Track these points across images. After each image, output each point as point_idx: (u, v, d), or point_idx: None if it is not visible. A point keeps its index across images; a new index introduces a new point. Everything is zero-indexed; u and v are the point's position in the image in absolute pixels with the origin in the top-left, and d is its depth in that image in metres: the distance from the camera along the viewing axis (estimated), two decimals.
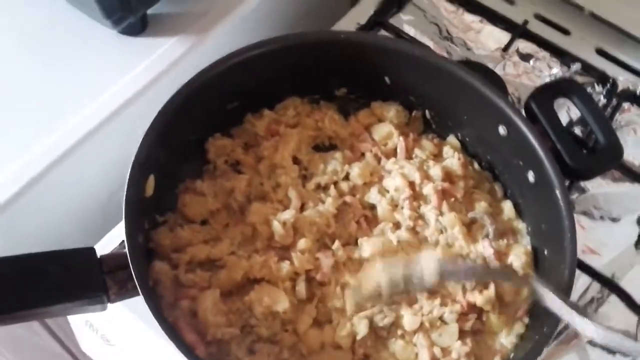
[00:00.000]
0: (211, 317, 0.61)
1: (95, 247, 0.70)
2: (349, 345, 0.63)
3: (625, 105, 0.92)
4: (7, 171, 0.74)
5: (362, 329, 0.63)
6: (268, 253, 0.66)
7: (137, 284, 0.54)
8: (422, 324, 0.64)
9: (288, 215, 0.68)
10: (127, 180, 0.58)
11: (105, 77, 0.81)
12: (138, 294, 0.55)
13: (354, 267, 0.67)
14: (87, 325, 0.71)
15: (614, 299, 0.78)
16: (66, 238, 0.83)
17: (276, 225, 0.67)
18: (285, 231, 0.67)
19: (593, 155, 0.71)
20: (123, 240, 0.69)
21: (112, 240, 0.72)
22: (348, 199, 0.70)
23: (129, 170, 0.59)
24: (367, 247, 0.68)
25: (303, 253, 0.66)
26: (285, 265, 0.65)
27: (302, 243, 0.67)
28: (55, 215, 0.81)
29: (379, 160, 0.75)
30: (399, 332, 0.65)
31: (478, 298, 0.65)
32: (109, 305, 0.56)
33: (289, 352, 0.62)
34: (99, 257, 0.55)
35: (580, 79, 0.94)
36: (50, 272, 0.52)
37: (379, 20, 0.94)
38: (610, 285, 0.78)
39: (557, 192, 0.65)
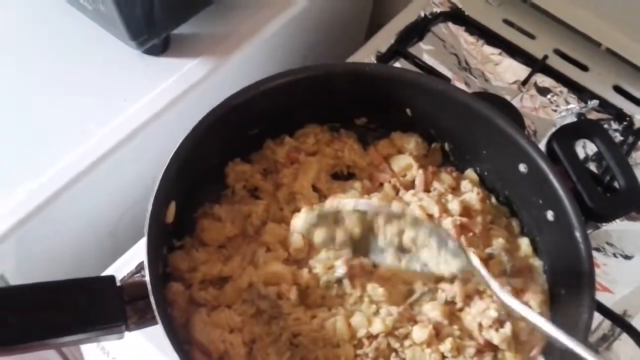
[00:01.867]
0: (204, 337, 0.61)
1: (108, 271, 0.71)
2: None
3: None
4: (22, 192, 0.73)
5: (377, 326, 0.64)
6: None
7: (156, 314, 0.53)
8: (432, 338, 0.64)
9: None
10: (149, 209, 0.58)
11: (125, 96, 0.82)
12: (156, 324, 0.54)
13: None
14: (99, 347, 0.70)
15: (625, 337, 0.77)
16: (76, 260, 0.83)
17: (296, 237, 0.68)
18: (303, 244, 0.67)
19: (612, 198, 0.71)
20: (138, 265, 0.70)
21: (125, 264, 0.72)
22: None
23: (152, 198, 0.59)
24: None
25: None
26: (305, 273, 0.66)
27: (323, 253, 0.67)
28: (65, 238, 0.81)
29: (397, 191, 0.76)
30: (409, 342, 0.65)
31: (494, 336, 0.65)
32: (126, 333, 0.55)
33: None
34: (119, 285, 0.55)
35: (597, 115, 0.94)
36: (70, 300, 0.52)
37: (399, 49, 0.95)
38: (621, 323, 0.78)
39: (577, 233, 0.65)
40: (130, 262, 0.72)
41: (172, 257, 0.67)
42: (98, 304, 0.53)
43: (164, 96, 0.82)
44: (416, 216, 0.67)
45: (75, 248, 0.83)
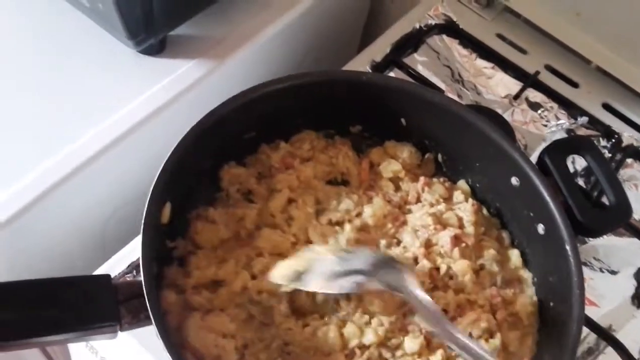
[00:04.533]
0: (197, 341, 0.60)
1: (100, 270, 0.71)
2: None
3: (629, 160, 0.94)
4: (13, 188, 0.73)
5: (369, 336, 0.64)
6: None
7: (150, 314, 0.53)
8: (424, 348, 0.65)
9: None
10: (146, 207, 0.58)
11: (121, 95, 0.81)
12: (150, 324, 0.54)
13: None
14: (87, 347, 0.69)
15: (610, 351, 0.78)
16: (66, 258, 0.82)
17: None
18: None
19: (602, 213, 0.73)
20: (130, 265, 0.69)
21: (118, 263, 0.71)
22: (362, 237, 0.71)
23: (149, 198, 0.59)
24: None
25: None
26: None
27: None
28: (56, 236, 0.80)
29: (389, 201, 0.76)
30: (400, 352, 0.65)
31: (484, 346, 0.66)
32: (119, 333, 0.55)
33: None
34: (114, 284, 0.54)
35: (586, 132, 0.96)
36: (65, 299, 0.51)
37: (394, 59, 0.95)
38: (606, 336, 0.79)
39: (568, 247, 0.65)
40: (122, 261, 0.71)
41: (169, 271, 0.66)
42: (92, 303, 0.52)
43: (159, 97, 0.82)
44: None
45: (65, 246, 0.82)
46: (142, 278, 0.54)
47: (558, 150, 0.72)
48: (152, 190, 0.59)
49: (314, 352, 0.63)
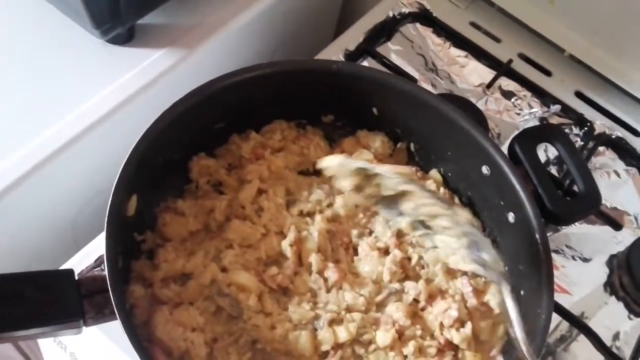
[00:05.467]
0: (165, 335, 0.60)
1: (66, 265, 0.69)
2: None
3: (601, 148, 0.95)
4: None
5: (342, 334, 0.63)
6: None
7: (115, 309, 0.52)
8: (396, 341, 0.65)
9: (291, 239, 0.68)
10: (110, 200, 0.57)
11: (89, 85, 0.80)
12: (115, 319, 0.53)
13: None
14: (55, 342, 0.68)
15: (582, 338, 0.79)
16: (35, 252, 0.80)
17: (285, 247, 0.68)
18: (292, 254, 0.67)
19: (572, 201, 0.73)
20: (97, 259, 0.68)
21: (85, 257, 0.70)
22: (333, 227, 0.70)
23: (113, 190, 0.57)
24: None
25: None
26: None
27: (314, 257, 0.68)
28: (25, 228, 0.79)
29: None
30: (373, 347, 0.65)
31: (455, 336, 0.66)
32: (84, 328, 0.54)
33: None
34: (77, 279, 0.53)
35: (559, 120, 0.96)
36: (27, 294, 0.50)
37: (367, 48, 0.95)
38: (579, 324, 0.80)
39: (537, 235, 0.66)
40: (90, 255, 0.70)
41: (137, 264, 0.65)
42: (54, 298, 0.51)
43: (128, 86, 0.81)
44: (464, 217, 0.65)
45: (34, 240, 0.80)
46: (106, 272, 0.53)
47: (528, 139, 0.72)
48: (116, 183, 0.58)
49: (285, 353, 0.62)
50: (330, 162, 0.64)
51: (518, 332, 0.59)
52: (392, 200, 0.64)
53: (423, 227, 0.65)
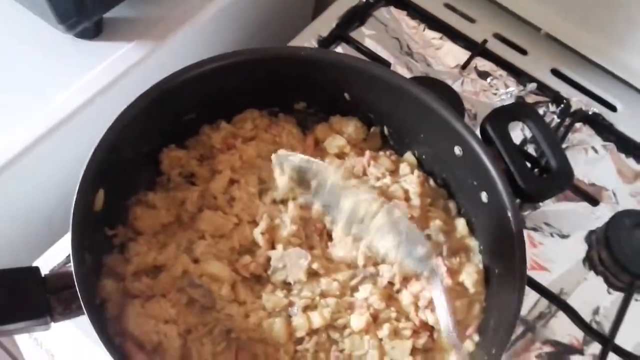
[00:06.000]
0: (137, 328, 0.60)
1: (39, 261, 0.69)
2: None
3: (578, 125, 0.94)
4: None
5: (316, 320, 0.64)
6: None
7: (82, 304, 0.52)
8: (370, 325, 0.65)
9: (263, 227, 0.68)
10: (75, 197, 0.57)
11: (56, 81, 0.79)
12: (83, 314, 0.53)
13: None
14: (31, 338, 0.68)
15: (561, 314, 0.80)
16: (7, 250, 0.80)
17: (257, 236, 0.68)
18: (265, 242, 0.67)
19: (544, 178, 0.73)
20: (69, 255, 0.68)
21: (57, 253, 0.70)
22: (307, 214, 0.70)
23: (78, 186, 0.57)
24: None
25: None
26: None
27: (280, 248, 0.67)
28: None
29: None
30: (348, 331, 0.65)
31: (430, 316, 0.66)
32: (52, 324, 0.54)
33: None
34: (43, 276, 0.53)
35: (535, 98, 0.96)
36: None
37: (340, 33, 0.94)
38: (557, 301, 0.80)
39: (509, 213, 0.66)
40: (63, 252, 0.70)
41: (108, 259, 0.65)
42: (19, 296, 0.51)
43: (98, 81, 0.80)
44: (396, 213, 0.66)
45: (7, 238, 0.80)
46: (72, 268, 0.53)
47: (499, 118, 0.71)
48: (81, 178, 0.58)
49: (260, 341, 0.62)
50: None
51: (450, 324, 0.61)
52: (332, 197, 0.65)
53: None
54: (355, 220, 0.68)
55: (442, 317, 0.62)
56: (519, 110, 0.74)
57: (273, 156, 0.67)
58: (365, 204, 0.65)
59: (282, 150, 0.68)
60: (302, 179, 0.66)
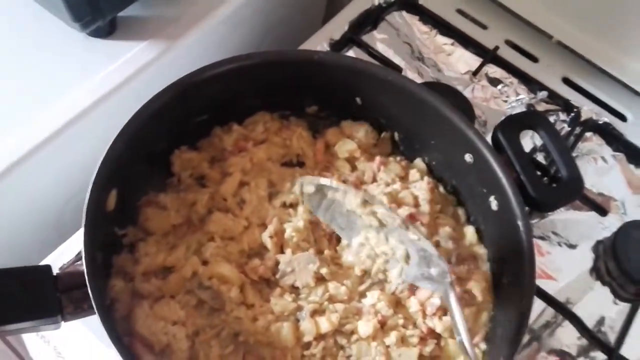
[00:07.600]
0: (146, 329, 0.60)
1: (48, 259, 0.69)
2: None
3: (588, 134, 0.94)
4: None
5: (324, 325, 0.64)
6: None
7: (93, 304, 0.52)
8: (378, 331, 0.65)
9: (272, 230, 0.68)
10: (87, 196, 0.57)
11: (70, 79, 0.79)
12: (94, 314, 0.53)
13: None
14: (38, 336, 0.68)
15: (567, 323, 0.79)
16: (18, 248, 0.80)
17: (266, 239, 0.68)
18: (274, 245, 0.67)
19: (555, 188, 0.73)
20: (78, 253, 0.68)
21: (65, 252, 0.70)
22: (316, 218, 0.70)
23: (91, 185, 0.57)
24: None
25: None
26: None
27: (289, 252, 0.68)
28: (9, 223, 0.79)
29: (344, 181, 0.75)
30: (355, 337, 0.65)
31: (437, 324, 0.66)
32: (63, 323, 0.54)
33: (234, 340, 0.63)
34: (55, 274, 0.53)
35: (546, 106, 0.96)
36: (4, 290, 0.50)
37: (352, 37, 0.94)
38: (563, 310, 0.80)
39: (519, 222, 0.65)
40: (72, 250, 0.70)
41: (118, 259, 0.65)
42: (31, 294, 0.51)
43: (110, 79, 0.80)
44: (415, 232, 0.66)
45: (17, 235, 0.80)
46: (84, 267, 0.53)
47: (511, 126, 0.71)
48: (94, 178, 0.58)
49: (267, 344, 0.62)
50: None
51: (466, 341, 0.60)
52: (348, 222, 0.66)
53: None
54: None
55: (461, 330, 0.61)
56: (531, 118, 0.74)
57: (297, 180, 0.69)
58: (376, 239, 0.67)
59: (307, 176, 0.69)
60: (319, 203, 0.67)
